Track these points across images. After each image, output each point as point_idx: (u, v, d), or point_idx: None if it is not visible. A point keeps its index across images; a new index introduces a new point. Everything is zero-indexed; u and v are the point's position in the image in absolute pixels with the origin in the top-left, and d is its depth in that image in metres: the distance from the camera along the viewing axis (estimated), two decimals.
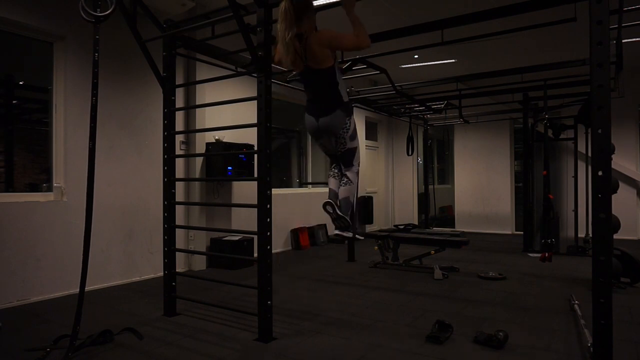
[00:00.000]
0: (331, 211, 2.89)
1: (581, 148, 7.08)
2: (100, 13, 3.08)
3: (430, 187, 9.89)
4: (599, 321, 2.18)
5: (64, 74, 4.58)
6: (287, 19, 2.65)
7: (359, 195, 8.79)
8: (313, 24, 2.81)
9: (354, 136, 2.94)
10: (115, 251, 4.97)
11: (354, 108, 6.72)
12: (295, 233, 7.51)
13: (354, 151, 2.97)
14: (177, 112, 4.12)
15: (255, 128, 3.24)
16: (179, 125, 5.49)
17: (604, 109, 2.17)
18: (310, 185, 8.33)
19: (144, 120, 5.30)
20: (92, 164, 3.07)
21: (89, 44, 3.43)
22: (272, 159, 3.26)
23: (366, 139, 9.96)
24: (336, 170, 3.10)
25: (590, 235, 3.35)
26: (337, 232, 2.97)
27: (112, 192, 4.95)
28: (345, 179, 2.98)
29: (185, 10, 5.09)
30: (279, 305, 3.91)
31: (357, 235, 3.07)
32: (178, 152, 5.30)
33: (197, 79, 5.44)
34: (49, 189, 4.56)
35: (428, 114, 8.64)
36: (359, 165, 3.06)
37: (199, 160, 5.87)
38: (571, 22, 3.56)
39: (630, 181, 8.38)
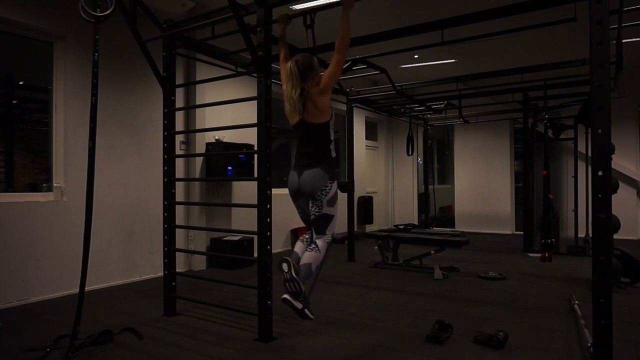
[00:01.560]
0: (286, 270, 2.55)
1: (581, 148, 7.08)
2: (100, 13, 3.08)
3: (430, 187, 9.89)
4: (599, 321, 2.18)
5: (64, 74, 4.58)
6: (292, 79, 2.68)
7: (358, 196, 8.85)
8: (317, 80, 2.77)
9: (332, 202, 2.74)
10: (115, 251, 4.97)
11: (355, 108, 6.83)
12: (295, 233, 7.51)
13: (329, 219, 2.76)
14: (177, 112, 4.13)
15: (255, 128, 3.24)
16: (179, 125, 5.49)
17: (604, 109, 2.17)
18: None
19: (144, 120, 5.30)
20: (92, 164, 3.07)
21: (89, 44, 3.43)
22: (272, 159, 3.26)
23: (366, 139, 9.96)
24: (307, 237, 2.88)
25: (590, 235, 3.35)
26: (285, 296, 2.59)
27: (112, 192, 4.95)
28: (314, 246, 2.73)
29: (185, 10, 5.09)
30: (279, 305, 3.90)
31: (307, 311, 2.63)
32: (178, 152, 5.30)
33: (197, 79, 5.44)
34: (49, 189, 4.56)
35: (428, 114, 8.64)
36: (332, 238, 2.81)
37: (199, 160, 5.87)
38: (571, 22, 3.55)
39: (630, 181, 8.38)
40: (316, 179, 2.69)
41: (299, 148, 2.85)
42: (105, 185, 4.84)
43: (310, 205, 2.76)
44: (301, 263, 2.67)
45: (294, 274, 2.54)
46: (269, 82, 3.22)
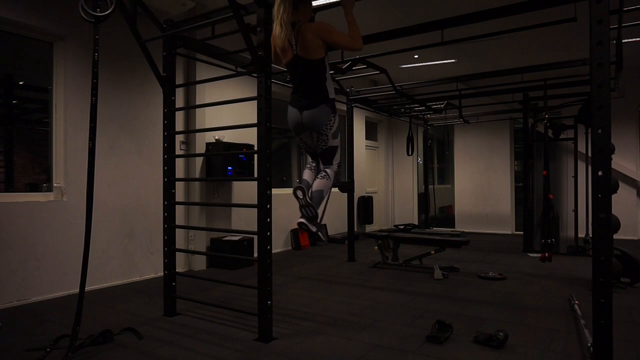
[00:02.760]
0: (301, 197, 2.76)
1: (581, 148, 7.08)
2: (100, 13, 3.08)
3: (430, 187, 9.90)
4: (599, 321, 2.18)
5: (64, 74, 4.58)
6: (284, 1, 2.67)
7: (358, 196, 8.85)
8: (309, 15, 2.79)
9: (336, 134, 2.89)
10: (115, 251, 4.97)
11: (355, 108, 6.83)
12: (295, 233, 7.51)
13: (335, 149, 2.92)
14: (177, 112, 4.13)
15: (255, 128, 3.24)
16: (179, 125, 5.49)
17: (604, 109, 2.17)
18: None
19: (144, 120, 5.30)
20: (92, 164, 3.07)
21: (89, 44, 3.43)
22: (272, 159, 3.26)
23: (366, 139, 9.96)
24: (314, 165, 3.03)
25: (590, 235, 3.35)
26: (301, 220, 2.81)
27: (112, 192, 4.95)
28: (324, 173, 2.91)
29: (185, 10, 5.09)
30: (279, 305, 3.92)
31: (319, 234, 2.87)
32: (178, 152, 5.30)
33: (197, 79, 5.44)
34: (49, 189, 4.56)
35: (428, 114, 8.64)
36: (338, 166, 2.99)
37: (199, 160, 5.87)
38: (571, 22, 3.56)
39: (630, 181, 8.38)
40: (320, 116, 2.78)
41: (296, 86, 2.88)
42: (105, 185, 4.84)
43: (316, 139, 2.87)
44: (313, 189, 2.85)
45: (308, 199, 2.74)
46: (269, 82, 3.21)
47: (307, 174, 2.99)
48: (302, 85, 2.84)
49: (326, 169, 2.93)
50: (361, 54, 4.92)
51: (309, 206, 2.74)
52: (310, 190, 2.85)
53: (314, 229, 2.81)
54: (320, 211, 2.86)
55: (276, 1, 2.72)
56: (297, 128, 2.91)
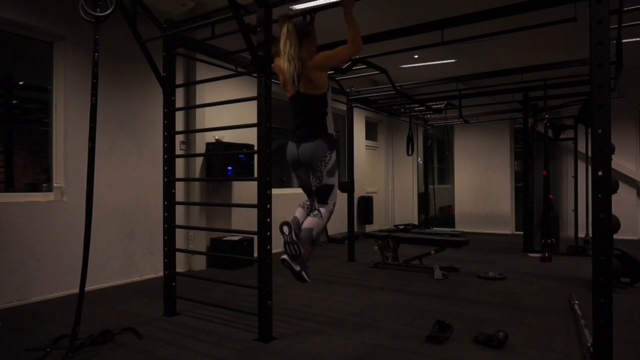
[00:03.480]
0: (287, 233, 2.61)
1: (581, 148, 7.08)
2: (100, 13, 3.08)
3: (430, 187, 9.90)
4: (599, 321, 2.18)
5: (64, 74, 4.58)
6: (290, 37, 2.68)
7: (358, 196, 8.85)
8: (312, 50, 2.77)
9: (332, 172, 2.78)
10: (115, 251, 4.97)
11: (355, 108, 6.83)
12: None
13: (330, 188, 2.81)
14: (177, 112, 4.12)
15: (255, 128, 3.24)
16: (179, 125, 5.49)
17: (604, 109, 2.17)
18: None
19: (144, 120, 5.30)
20: (92, 164, 3.07)
21: (89, 44, 3.43)
22: (272, 159, 3.26)
23: (366, 139, 9.97)
24: (308, 203, 2.92)
25: (590, 235, 3.35)
26: (283, 257, 2.67)
27: (112, 192, 4.95)
28: (316, 212, 2.79)
29: (185, 10, 5.09)
30: (279, 305, 3.91)
31: (304, 274, 2.70)
32: (178, 152, 5.30)
33: (197, 79, 5.44)
34: (49, 189, 4.56)
35: (428, 114, 8.64)
36: (334, 206, 2.87)
37: (199, 160, 5.87)
38: (571, 22, 3.55)
39: (630, 181, 8.38)
40: (315, 151, 2.72)
41: (296, 120, 2.84)
42: (105, 185, 4.84)
43: (311, 176, 2.80)
44: (303, 227, 2.73)
45: (294, 237, 2.61)
46: (269, 82, 3.21)
47: (298, 212, 2.87)
48: (302, 119, 2.80)
49: (320, 208, 2.81)
50: (361, 54, 4.92)
51: (294, 244, 2.61)
52: (299, 228, 2.73)
53: (297, 268, 2.67)
54: (306, 252, 2.71)
55: (282, 37, 2.72)
56: (294, 163, 2.85)
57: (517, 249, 7.27)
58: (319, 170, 2.75)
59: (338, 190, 2.92)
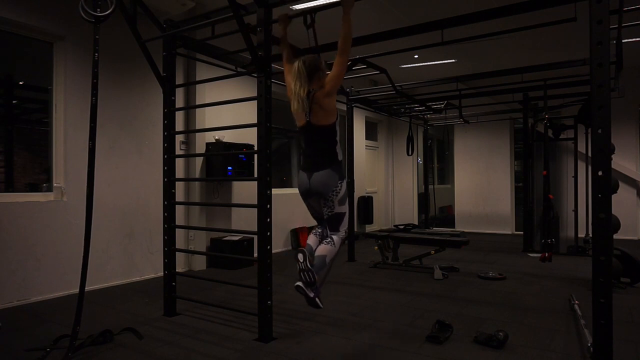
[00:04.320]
0: (302, 260, 2.64)
1: (581, 148, 7.08)
2: (100, 13, 3.08)
3: (430, 187, 9.90)
4: (599, 321, 2.18)
5: (64, 74, 4.58)
6: (300, 78, 2.70)
7: (358, 196, 8.85)
8: (322, 83, 2.79)
9: (343, 201, 2.82)
10: (115, 251, 4.97)
11: (355, 108, 6.83)
12: (295, 233, 7.51)
13: (342, 217, 2.86)
14: (177, 112, 4.12)
15: (255, 128, 3.24)
16: (179, 125, 5.49)
17: (604, 109, 2.17)
18: None
19: (144, 120, 5.30)
20: (92, 164, 3.07)
21: (89, 44, 3.43)
22: (272, 159, 3.26)
23: (366, 139, 9.96)
24: (319, 231, 2.95)
25: (590, 235, 3.35)
26: (298, 284, 2.67)
27: (112, 192, 4.95)
28: (329, 239, 2.83)
29: (185, 10, 5.09)
30: (279, 305, 3.91)
31: (317, 300, 2.71)
32: (178, 152, 5.30)
33: (197, 79, 5.44)
34: (49, 189, 4.56)
35: (428, 114, 8.64)
36: (346, 233, 2.92)
37: (199, 160, 5.87)
38: (571, 22, 3.55)
39: (630, 181, 8.38)
40: (327, 181, 2.75)
41: (306, 150, 2.87)
42: (105, 185, 4.84)
43: (323, 205, 2.82)
44: (316, 254, 2.76)
45: (309, 264, 2.64)
46: (269, 82, 3.22)
47: (311, 239, 2.91)
48: (312, 149, 2.83)
49: (332, 235, 2.86)
50: (361, 54, 4.93)
51: (309, 271, 2.63)
52: (313, 252, 2.77)
53: (311, 294, 2.68)
54: (320, 279, 2.75)
55: (293, 76, 2.75)
56: (305, 193, 2.87)
57: (517, 249, 7.27)
58: (330, 200, 2.78)
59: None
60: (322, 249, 2.79)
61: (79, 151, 4.57)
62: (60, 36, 4.54)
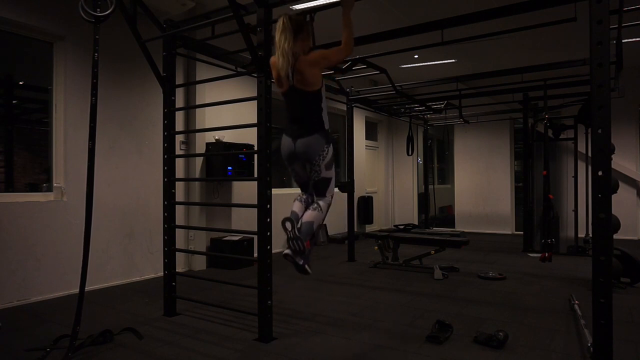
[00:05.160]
0: (289, 228, 2.64)
1: (581, 148, 7.08)
2: (100, 13, 3.08)
3: (430, 187, 9.90)
4: (599, 321, 2.18)
5: (64, 74, 4.58)
6: (285, 31, 2.66)
7: (358, 196, 8.85)
8: (307, 46, 2.77)
9: (330, 165, 2.80)
10: (115, 251, 4.97)
11: (355, 108, 6.83)
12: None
13: (328, 181, 2.83)
14: (177, 112, 4.12)
15: (255, 128, 3.24)
16: (179, 125, 5.49)
17: (604, 109, 2.17)
18: None
19: (144, 120, 5.30)
20: (92, 164, 3.07)
21: (89, 44, 3.43)
22: (272, 159, 3.26)
23: (366, 139, 9.96)
24: (304, 197, 2.92)
25: (590, 235, 3.35)
26: (287, 252, 2.68)
27: (112, 192, 4.95)
28: (316, 205, 2.80)
29: (185, 10, 5.09)
30: (279, 305, 3.91)
31: (307, 267, 2.74)
32: (178, 152, 5.30)
33: (197, 79, 5.44)
34: (49, 189, 4.56)
35: (428, 114, 8.64)
36: (332, 198, 2.89)
37: (199, 160, 5.87)
38: (571, 22, 3.55)
39: (630, 181, 8.38)
40: (313, 146, 2.72)
41: (291, 114, 2.83)
42: (105, 185, 4.84)
43: (309, 170, 2.81)
44: (303, 221, 2.74)
45: (297, 232, 2.64)
46: (269, 82, 3.22)
47: (296, 206, 2.87)
48: (297, 115, 2.80)
49: (319, 201, 2.83)
50: (361, 54, 4.93)
51: (297, 239, 2.64)
52: (300, 222, 2.74)
53: (300, 261, 2.71)
54: (307, 244, 2.73)
55: (277, 30, 2.70)
56: (290, 157, 2.83)
57: (517, 249, 7.27)
58: (317, 164, 2.75)
59: (336, 189, 2.92)
60: (309, 215, 2.76)
61: (79, 151, 4.57)
62: (60, 36, 4.54)
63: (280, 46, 2.66)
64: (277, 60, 2.72)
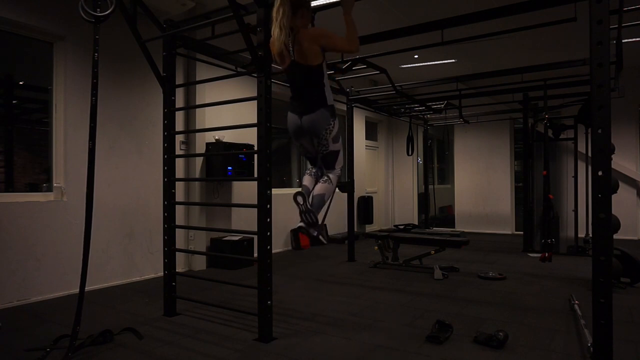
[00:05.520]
0: (301, 202, 2.73)
1: (581, 148, 7.08)
2: (100, 13, 3.08)
3: (430, 187, 9.90)
4: (599, 321, 2.18)
5: (64, 74, 4.58)
6: (283, 5, 2.64)
7: (358, 196, 8.85)
8: (307, 22, 2.77)
9: (337, 138, 2.85)
10: (115, 251, 4.97)
11: (355, 108, 6.83)
12: (295, 233, 7.51)
13: (336, 154, 2.89)
14: (177, 112, 4.12)
15: (255, 128, 3.24)
16: (179, 125, 5.49)
17: (604, 109, 2.17)
18: None
19: (144, 120, 5.30)
20: (92, 164, 3.07)
21: (89, 44, 3.43)
22: (272, 159, 3.26)
23: (366, 139, 9.96)
24: (314, 170, 2.99)
25: (590, 235, 3.35)
26: (300, 225, 2.77)
27: (112, 192, 4.95)
28: (326, 178, 2.89)
29: (185, 10, 5.09)
30: (279, 305, 3.91)
31: (321, 237, 2.84)
32: (178, 152, 5.30)
33: (197, 79, 5.44)
34: (49, 189, 4.56)
35: (428, 114, 8.64)
36: (340, 170, 2.96)
37: (199, 160, 5.87)
38: (571, 22, 3.56)
39: (630, 181, 8.38)
40: (319, 121, 2.76)
41: (295, 91, 2.87)
42: (105, 185, 4.84)
43: (317, 144, 2.85)
44: (314, 194, 2.82)
45: (309, 205, 2.71)
46: (269, 82, 3.21)
47: (307, 180, 2.94)
48: (300, 91, 2.82)
49: (329, 174, 2.91)
50: (361, 54, 4.93)
51: (309, 212, 2.72)
52: (311, 195, 2.82)
53: (314, 233, 2.78)
54: (320, 216, 2.83)
55: (275, 4, 2.69)
56: (297, 133, 2.88)
57: (517, 249, 7.27)
58: (324, 138, 2.80)
59: (339, 171, 2.99)
60: (320, 188, 2.84)
61: (79, 151, 4.57)
62: (60, 36, 4.54)
63: (278, 19, 2.64)
64: (274, 33, 2.69)
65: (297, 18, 2.70)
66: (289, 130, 2.91)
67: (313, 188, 2.88)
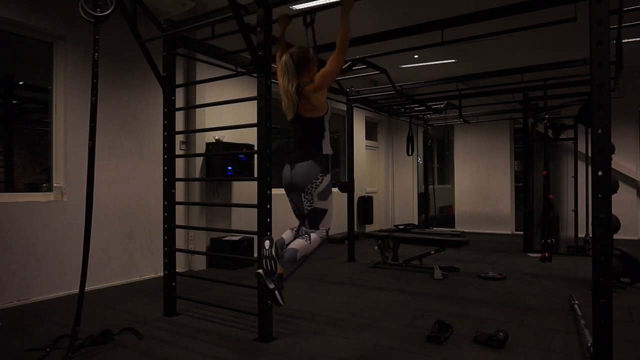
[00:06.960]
0: (267, 247, 2.44)
1: (581, 148, 7.08)
2: (100, 13, 3.08)
3: (430, 187, 9.90)
4: (599, 321, 2.18)
5: (64, 74, 4.58)
6: (288, 72, 2.62)
7: (358, 196, 8.84)
8: (313, 74, 2.70)
9: (324, 196, 2.63)
10: (115, 251, 4.97)
11: (355, 108, 6.83)
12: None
13: (322, 213, 2.67)
14: (177, 112, 4.12)
15: (255, 128, 3.24)
16: (179, 125, 5.49)
17: (604, 109, 2.17)
18: None
19: (144, 120, 5.30)
20: (92, 164, 3.07)
21: (89, 44, 3.43)
22: (272, 159, 3.26)
23: (366, 139, 9.97)
24: (296, 227, 2.79)
25: (590, 235, 3.35)
26: (258, 271, 2.49)
27: (112, 192, 4.95)
28: (306, 235, 2.64)
29: (185, 10, 5.09)
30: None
31: (277, 294, 2.47)
32: (178, 152, 5.29)
33: (197, 79, 5.44)
34: (49, 189, 4.56)
35: (428, 114, 8.64)
36: (327, 233, 2.71)
37: (199, 160, 5.87)
38: (571, 22, 3.56)
39: (630, 181, 8.38)
40: (307, 172, 2.61)
41: (294, 142, 2.81)
42: (105, 185, 4.84)
43: (303, 199, 2.68)
44: (289, 247, 2.58)
45: (273, 252, 2.45)
46: (269, 82, 3.22)
47: (286, 234, 2.75)
48: (299, 141, 2.73)
49: (310, 232, 2.66)
50: (361, 54, 4.93)
51: (271, 259, 2.42)
52: (284, 246, 2.60)
53: (270, 285, 2.45)
54: (285, 272, 2.53)
55: (279, 70, 2.66)
56: (288, 186, 2.74)
57: (517, 249, 7.27)
58: (309, 193, 2.61)
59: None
60: (296, 243, 2.60)
61: (79, 151, 4.57)
62: (60, 36, 4.54)
63: (284, 88, 2.63)
64: (282, 100, 2.69)
65: (303, 76, 2.65)
66: (283, 185, 2.75)
67: (289, 243, 2.64)
